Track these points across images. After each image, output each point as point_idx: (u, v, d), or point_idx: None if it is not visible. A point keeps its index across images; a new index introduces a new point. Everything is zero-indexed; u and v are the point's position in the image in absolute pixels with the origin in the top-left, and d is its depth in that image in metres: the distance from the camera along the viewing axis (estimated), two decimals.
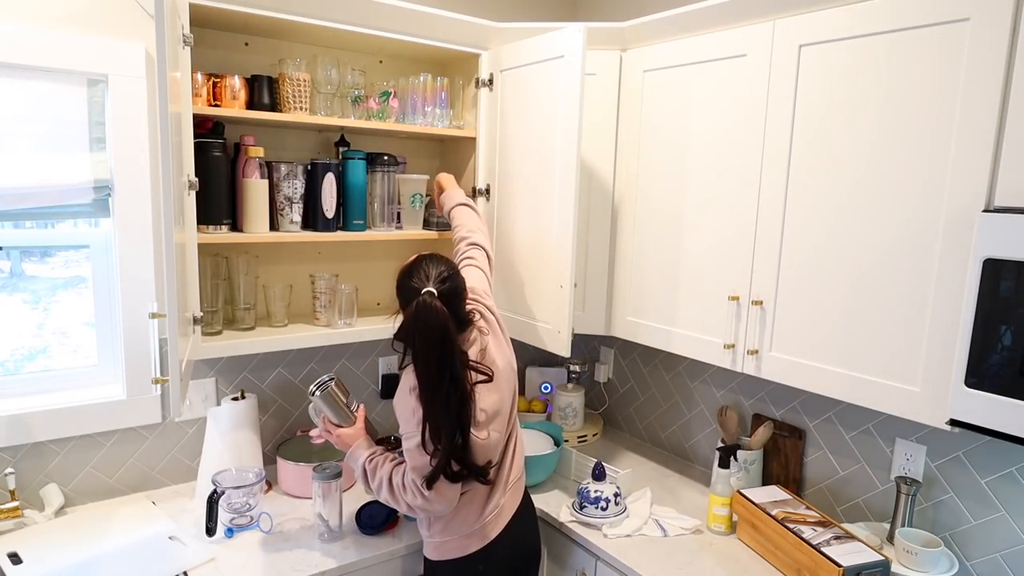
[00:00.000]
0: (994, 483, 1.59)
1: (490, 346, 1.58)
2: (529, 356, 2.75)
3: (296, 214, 1.91)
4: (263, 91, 1.84)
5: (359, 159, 2.00)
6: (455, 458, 1.47)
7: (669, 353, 2.28)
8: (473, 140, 2.18)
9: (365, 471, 1.60)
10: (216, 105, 1.78)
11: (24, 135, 1.68)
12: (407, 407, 1.50)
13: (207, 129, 1.79)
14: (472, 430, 1.49)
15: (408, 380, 1.51)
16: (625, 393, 2.56)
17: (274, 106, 1.86)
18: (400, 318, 1.50)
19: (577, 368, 2.49)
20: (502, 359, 1.59)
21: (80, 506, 1.86)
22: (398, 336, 1.49)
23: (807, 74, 1.56)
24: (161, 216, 1.84)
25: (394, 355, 2.38)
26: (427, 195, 2.20)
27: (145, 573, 1.55)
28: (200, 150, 1.72)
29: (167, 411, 1.95)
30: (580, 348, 2.70)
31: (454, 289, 1.51)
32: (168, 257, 1.33)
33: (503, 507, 1.62)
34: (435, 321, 1.43)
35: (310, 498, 1.84)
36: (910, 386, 1.42)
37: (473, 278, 1.70)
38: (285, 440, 2.14)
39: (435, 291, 1.46)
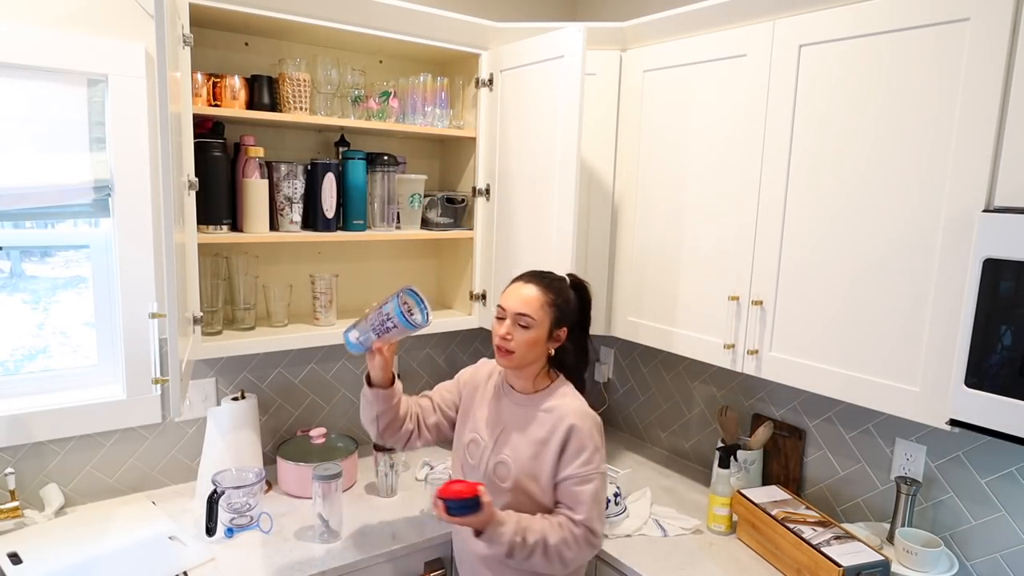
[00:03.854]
0: (994, 483, 1.59)
1: None
2: None
3: (296, 214, 1.91)
4: (263, 91, 1.84)
5: (359, 159, 2.00)
6: None
7: (669, 353, 2.28)
8: (473, 140, 2.18)
9: (514, 545, 1.38)
10: (216, 105, 1.78)
11: (24, 135, 1.68)
12: (593, 440, 1.48)
13: (207, 129, 1.79)
14: None
15: (589, 415, 1.51)
16: (625, 393, 2.56)
17: (274, 106, 1.86)
18: (562, 335, 1.55)
19: None
20: None
21: (80, 506, 1.86)
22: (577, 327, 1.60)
23: (807, 74, 1.56)
24: (161, 216, 1.84)
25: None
26: (425, 195, 2.20)
27: (145, 573, 1.55)
28: (200, 150, 1.72)
29: (167, 411, 1.95)
30: None
31: None
32: (168, 257, 1.33)
33: None
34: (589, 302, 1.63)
35: (310, 498, 1.84)
36: (910, 386, 1.42)
37: None
38: (285, 440, 2.13)
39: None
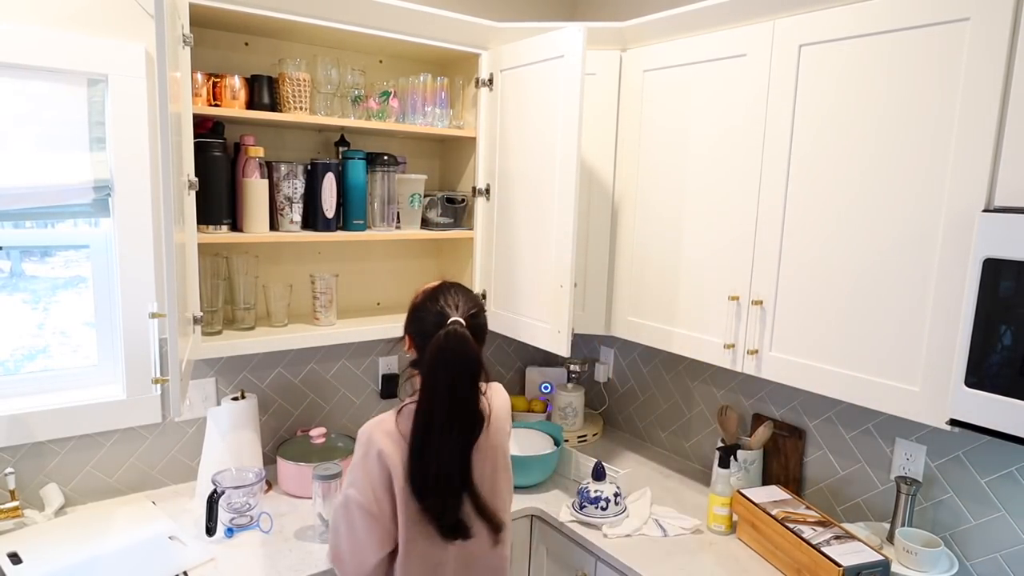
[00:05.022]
0: (994, 483, 1.59)
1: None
2: (529, 356, 2.75)
3: (296, 214, 1.91)
4: (263, 91, 1.84)
5: (359, 159, 2.00)
6: (444, 513, 1.33)
7: (669, 353, 2.28)
8: (473, 140, 2.18)
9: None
10: (216, 105, 1.78)
11: (24, 135, 1.68)
12: (355, 453, 1.36)
13: (207, 129, 1.79)
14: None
15: (370, 426, 1.35)
16: (625, 393, 2.56)
17: (274, 106, 1.86)
18: (408, 346, 1.41)
19: (577, 368, 2.49)
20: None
21: (80, 506, 1.86)
22: (416, 365, 1.37)
23: (807, 74, 1.56)
24: (161, 216, 1.84)
25: (393, 356, 2.38)
26: (425, 195, 2.20)
27: (145, 573, 1.55)
28: (200, 150, 1.72)
29: (167, 411, 1.95)
30: (580, 348, 2.70)
31: (481, 327, 1.39)
32: (168, 257, 1.33)
33: None
34: (469, 355, 1.31)
35: (310, 498, 1.84)
36: (910, 386, 1.42)
37: None
38: (285, 440, 2.13)
39: (464, 322, 1.33)
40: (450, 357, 1.30)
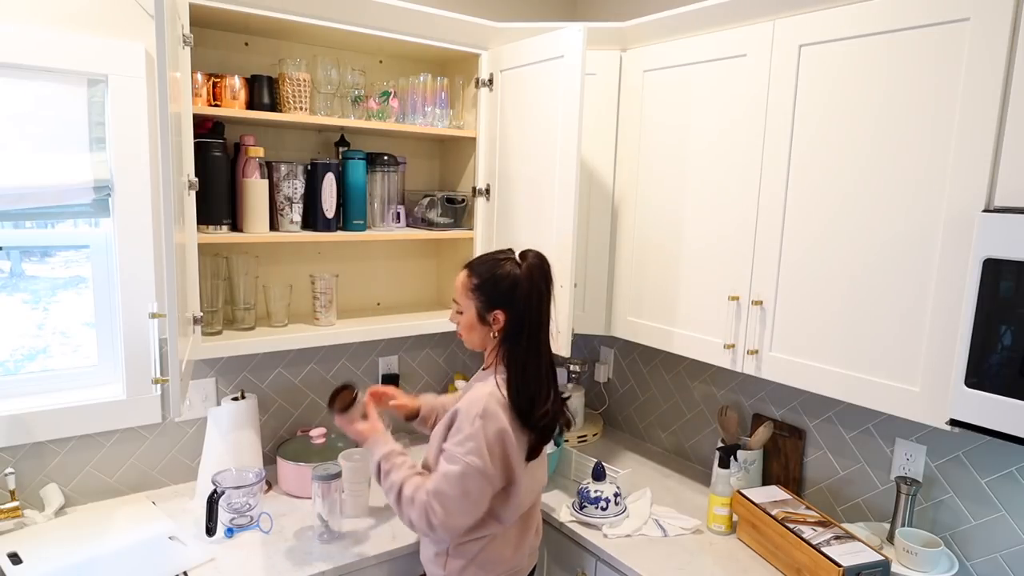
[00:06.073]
0: (994, 483, 1.59)
1: None
2: None
3: (296, 214, 1.91)
4: (263, 91, 1.84)
5: (359, 159, 2.00)
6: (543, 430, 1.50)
7: (669, 353, 2.28)
8: (473, 140, 2.18)
9: (380, 468, 1.50)
10: (216, 105, 1.78)
11: (24, 135, 1.68)
12: (473, 425, 1.41)
13: (207, 129, 1.79)
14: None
15: (482, 400, 1.43)
16: (625, 393, 2.56)
17: (274, 106, 1.86)
18: (499, 317, 1.49)
19: (577, 368, 2.49)
20: None
21: (80, 506, 1.86)
22: (511, 339, 1.49)
23: (807, 74, 1.56)
24: (161, 216, 1.84)
25: (393, 355, 2.38)
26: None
27: (145, 573, 1.55)
28: (200, 150, 1.72)
29: (167, 411, 1.95)
30: (580, 348, 2.70)
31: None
32: (168, 257, 1.33)
33: (534, 548, 1.66)
34: (548, 271, 1.51)
35: (310, 498, 1.84)
36: (910, 386, 1.42)
37: None
38: (285, 440, 2.13)
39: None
40: (547, 270, 1.50)
